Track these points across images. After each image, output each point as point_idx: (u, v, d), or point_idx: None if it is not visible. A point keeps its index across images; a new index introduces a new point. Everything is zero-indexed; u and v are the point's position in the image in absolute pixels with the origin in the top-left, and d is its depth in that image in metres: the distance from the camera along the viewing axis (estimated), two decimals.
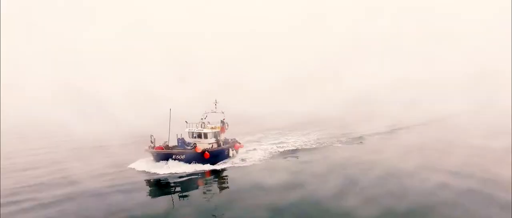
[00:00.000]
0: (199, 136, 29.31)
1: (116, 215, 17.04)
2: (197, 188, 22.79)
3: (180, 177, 24.23)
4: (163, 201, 20.03)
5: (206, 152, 26.99)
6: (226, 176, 25.75)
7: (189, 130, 30.04)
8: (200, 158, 26.70)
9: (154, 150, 26.62)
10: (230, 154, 30.73)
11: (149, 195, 21.05)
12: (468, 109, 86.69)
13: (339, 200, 19.89)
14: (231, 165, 28.44)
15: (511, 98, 72.88)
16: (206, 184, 23.67)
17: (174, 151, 27.33)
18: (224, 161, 29.23)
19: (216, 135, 30.38)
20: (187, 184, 23.07)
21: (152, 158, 27.33)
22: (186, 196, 21.05)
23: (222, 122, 32.24)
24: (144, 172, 25.69)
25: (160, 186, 22.69)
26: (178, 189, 22.15)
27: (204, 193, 21.52)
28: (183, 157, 26.57)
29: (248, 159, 30.41)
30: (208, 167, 26.73)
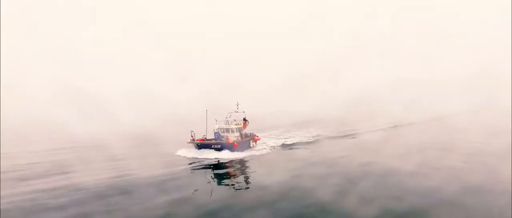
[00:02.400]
0: (227, 131, 36.65)
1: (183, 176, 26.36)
2: (228, 168, 30.06)
3: (218, 161, 32.11)
4: (208, 176, 27.03)
5: (235, 142, 34.74)
6: (248, 160, 33.03)
7: (218, 126, 37.09)
8: (231, 147, 34.33)
9: (197, 141, 34.62)
10: (251, 145, 38.46)
11: (203, 172, 28.09)
12: (468, 109, 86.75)
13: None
14: (252, 152, 36.06)
15: (511, 98, 72.87)
16: (236, 166, 30.72)
17: (212, 142, 35.05)
18: (247, 149, 36.91)
19: (239, 130, 37.90)
20: (222, 165, 30.73)
21: (193, 147, 34.82)
22: (221, 174, 28.14)
23: (244, 119, 39.74)
24: (192, 157, 33.14)
25: (207, 167, 29.90)
26: (216, 169, 29.30)
27: (235, 172, 28.60)
28: (219, 146, 34.32)
29: (264, 149, 37.93)
30: (236, 154, 34.06)
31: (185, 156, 33.56)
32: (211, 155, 33.02)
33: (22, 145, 48.55)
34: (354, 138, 50.53)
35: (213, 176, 27.13)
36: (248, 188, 23.28)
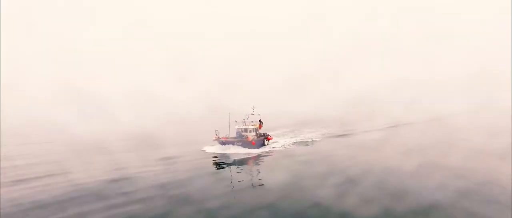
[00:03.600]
0: (245, 131, 42.72)
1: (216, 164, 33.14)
2: (247, 162, 34.85)
3: (241, 155, 37.98)
4: (232, 167, 32.02)
5: (253, 140, 40.63)
6: (264, 156, 37.79)
7: (238, 127, 43.17)
8: (249, 144, 40.20)
9: (222, 139, 41.16)
10: (265, 143, 43.72)
11: (227, 163, 33.69)
12: (468, 109, 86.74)
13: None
14: (266, 149, 41.18)
15: (511, 98, 72.92)
16: (255, 160, 35.77)
17: (235, 140, 41.22)
18: (262, 147, 42.20)
19: (255, 130, 43.61)
20: (243, 159, 35.86)
21: (218, 144, 41.02)
22: (242, 164, 33.49)
23: (260, 121, 45.31)
24: (216, 152, 38.75)
25: (223, 161, 35.00)
26: (238, 162, 34.32)
27: (253, 164, 33.60)
28: (240, 143, 40.48)
29: (275, 146, 42.99)
30: (254, 150, 39.62)
31: (211, 152, 39.24)
32: (232, 150, 39.24)
33: (22, 144, 48.56)
34: (354, 137, 50.67)
35: (236, 166, 32.23)
36: (260, 178, 27.32)
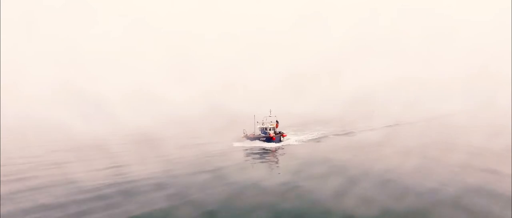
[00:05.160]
0: (265, 129, 52.05)
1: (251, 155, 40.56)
2: (270, 152, 43.74)
3: (264, 148, 46.69)
4: (259, 156, 40.58)
5: (273, 136, 50.31)
6: (281, 149, 46.49)
7: (260, 126, 52.78)
8: (271, 140, 49.98)
9: (250, 135, 50.66)
10: (281, 139, 52.67)
11: (255, 153, 42.31)
12: (468, 109, 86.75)
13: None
14: (282, 144, 50.32)
15: (511, 98, 72.93)
16: (275, 151, 44.14)
17: (260, 136, 51.04)
18: (279, 142, 51.44)
19: (273, 128, 52.70)
20: (266, 151, 44.52)
21: (246, 140, 50.00)
22: (266, 154, 42.01)
23: (276, 121, 54.58)
24: (245, 147, 47.63)
25: (256, 151, 44.18)
26: (263, 153, 42.82)
27: (274, 154, 42.09)
28: (264, 139, 50.16)
29: (289, 142, 52.38)
30: (274, 144, 49.22)
31: (240, 146, 47.94)
32: (258, 144, 48.86)
33: (21, 144, 48.58)
34: (353, 136, 50.79)
35: (263, 155, 41.41)
36: (278, 165, 35.51)
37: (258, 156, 40.19)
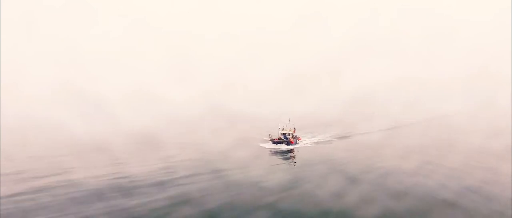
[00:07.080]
0: (285, 134, 60.91)
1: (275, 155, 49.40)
2: (290, 152, 52.05)
3: (285, 150, 54.29)
4: (283, 155, 48.52)
5: (292, 140, 59.27)
6: (297, 150, 53.42)
7: (281, 131, 61.23)
8: (290, 143, 58.64)
9: (274, 139, 59.78)
10: (297, 142, 60.96)
11: (279, 154, 49.75)
12: (468, 109, 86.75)
13: None
14: (299, 146, 57.60)
15: (511, 98, 72.96)
16: (294, 152, 51.47)
17: (282, 140, 59.62)
18: (296, 145, 59.45)
19: (292, 134, 61.60)
20: (287, 151, 52.54)
21: (271, 142, 58.88)
22: (288, 153, 50.57)
23: (294, 128, 63.07)
24: (271, 148, 55.59)
25: (279, 151, 52.51)
26: (285, 153, 51.13)
27: (294, 153, 50.24)
28: (285, 142, 58.90)
29: (304, 144, 60.08)
30: (292, 146, 57.11)
31: (267, 147, 56.19)
32: (279, 146, 57.29)
33: (21, 144, 48.58)
34: (353, 137, 50.84)
35: (285, 154, 49.30)
36: (296, 162, 42.86)
37: (281, 155, 49.02)
